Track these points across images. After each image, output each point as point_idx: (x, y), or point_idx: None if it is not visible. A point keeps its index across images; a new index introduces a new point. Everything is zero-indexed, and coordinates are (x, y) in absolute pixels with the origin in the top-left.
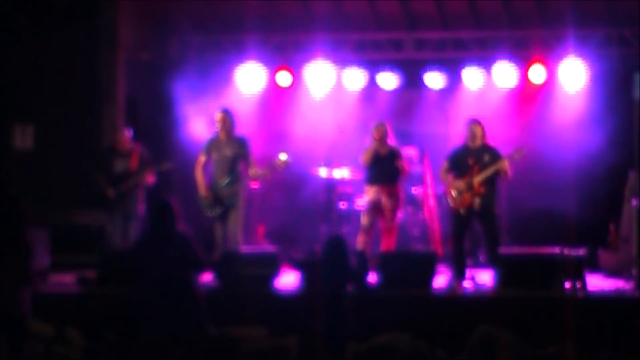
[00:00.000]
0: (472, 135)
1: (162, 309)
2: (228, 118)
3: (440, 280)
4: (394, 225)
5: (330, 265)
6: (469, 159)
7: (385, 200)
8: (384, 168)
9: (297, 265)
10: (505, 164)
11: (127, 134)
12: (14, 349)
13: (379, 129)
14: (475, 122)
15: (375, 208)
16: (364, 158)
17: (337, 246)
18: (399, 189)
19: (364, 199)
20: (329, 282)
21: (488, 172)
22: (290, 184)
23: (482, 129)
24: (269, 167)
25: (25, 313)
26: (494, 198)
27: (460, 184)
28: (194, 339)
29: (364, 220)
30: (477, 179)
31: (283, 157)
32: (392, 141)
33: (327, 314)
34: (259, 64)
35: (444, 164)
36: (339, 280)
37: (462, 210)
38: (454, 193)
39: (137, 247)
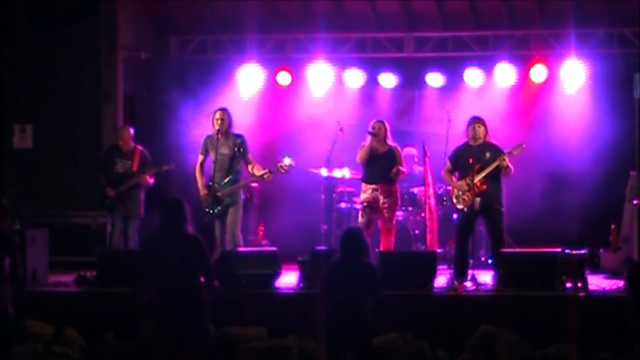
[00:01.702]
0: (475, 134)
1: (166, 307)
2: (225, 117)
3: (441, 280)
4: (393, 225)
5: (347, 258)
6: (469, 157)
7: (382, 200)
8: (381, 167)
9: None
10: (505, 160)
11: (131, 131)
12: (2, 347)
13: (376, 127)
14: (477, 120)
15: (372, 207)
16: (359, 155)
17: (354, 239)
18: (396, 188)
19: (361, 197)
20: (350, 279)
21: (489, 169)
22: (290, 184)
23: (485, 127)
24: (271, 170)
25: (7, 309)
26: (498, 195)
27: (462, 183)
28: (196, 341)
29: (362, 219)
30: (478, 177)
31: (287, 160)
32: (391, 141)
33: (347, 310)
34: (259, 64)
35: (447, 164)
36: (361, 276)
37: (465, 209)
38: (457, 193)
39: (147, 245)
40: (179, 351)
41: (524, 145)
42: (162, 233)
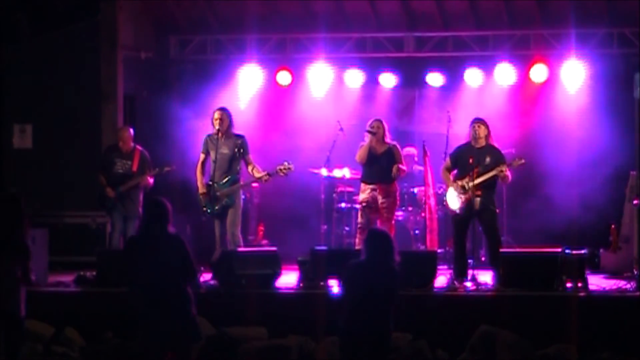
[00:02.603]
0: (475, 135)
1: (153, 308)
2: (226, 117)
3: (441, 280)
4: (392, 225)
5: (373, 260)
6: (470, 158)
7: (381, 200)
8: (379, 167)
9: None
10: (504, 170)
11: (131, 132)
12: (10, 349)
13: (375, 126)
14: (479, 121)
15: (370, 207)
16: (359, 154)
17: (382, 241)
18: (395, 188)
19: (360, 197)
20: (376, 281)
21: (487, 175)
22: (290, 184)
23: (487, 129)
24: (270, 172)
25: (21, 313)
26: (492, 196)
27: (459, 184)
28: (184, 341)
29: (361, 219)
30: (475, 182)
31: (287, 164)
32: (389, 140)
33: (371, 313)
34: (259, 64)
35: (446, 161)
36: (387, 279)
37: (458, 211)
38: (452, 192)
39: (130, 245)
40: (168, 351)
41: (523, 161)
42: (144, 233)
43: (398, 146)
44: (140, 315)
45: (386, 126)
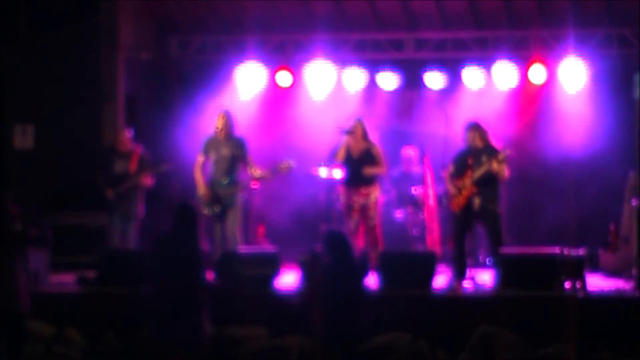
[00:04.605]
0: (470, 139)
1: (166, 308)
2: (228, 119)
3: (440, 280)
4: (376, 225)
5: (336, 261)
6: (469, 159)
7: (361, 203)
8: (355, 170)
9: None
10: (494, 165)
11: (128, 134)
12: (12, 349)
13: (352, 125)
14: (471, 126)
15: (351, 209)
16: (336, 155)
17: (340, 242)
18: (374, 189)
19: (340, 200)
20: (337, 279)
21: (478, 172)
22: (290, 184)
23: (481, 131)
24: (271, 170)
25: (23, 311)
26: (495, 197)
27: (457, 185)
28: (194, 341)
29: (347, 223)
30: (469, 180)
31: (287, 162)
32: (372, 139)
33: (338, 312)
34: (259, 64)
35: (450, 168)
36: (348, 277)
37: (457, 211)
38: (451, 194)
39: (155, 244)
40: (176, 351)
41: (508, 152)
42: (171, 235)
43: (377, 146)
44: (150, 314)
45: (366, 126)
